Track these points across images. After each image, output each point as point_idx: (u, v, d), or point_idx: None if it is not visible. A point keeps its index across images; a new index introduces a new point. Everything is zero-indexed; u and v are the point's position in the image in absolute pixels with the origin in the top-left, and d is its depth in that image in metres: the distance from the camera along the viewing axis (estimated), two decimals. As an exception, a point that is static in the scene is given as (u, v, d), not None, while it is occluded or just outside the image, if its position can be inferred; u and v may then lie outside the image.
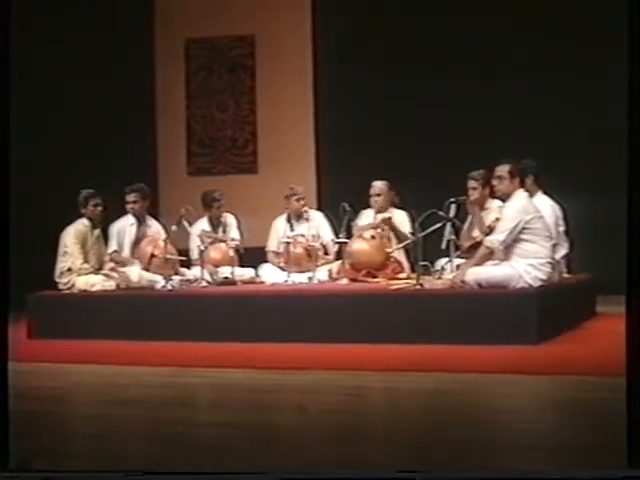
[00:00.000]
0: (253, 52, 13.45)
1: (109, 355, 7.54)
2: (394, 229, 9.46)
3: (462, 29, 12.02)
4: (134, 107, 12.94)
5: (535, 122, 11.46)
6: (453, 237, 8.32)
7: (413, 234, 8.69)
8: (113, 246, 9.48)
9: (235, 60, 13.52)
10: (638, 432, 3.38)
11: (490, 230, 8.06)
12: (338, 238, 9.38)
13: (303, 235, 9.63)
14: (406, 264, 9.31)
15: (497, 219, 7.97)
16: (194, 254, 9.66)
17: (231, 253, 9.56)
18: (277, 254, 9.81)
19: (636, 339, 3.50)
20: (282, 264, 9.58)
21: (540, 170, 8.84)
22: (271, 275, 9.53)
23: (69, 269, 8.87)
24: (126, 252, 9.51)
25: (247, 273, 9.56)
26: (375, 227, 9.45)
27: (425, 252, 8.25)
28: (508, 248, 7.61)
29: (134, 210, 9.52)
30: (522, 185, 7.84)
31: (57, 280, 8.94)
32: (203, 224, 9.85)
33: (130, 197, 9.51)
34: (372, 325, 7.64)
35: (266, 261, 9.90)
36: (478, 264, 7.75)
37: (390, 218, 9.46)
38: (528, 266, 7.54)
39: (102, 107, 12.35)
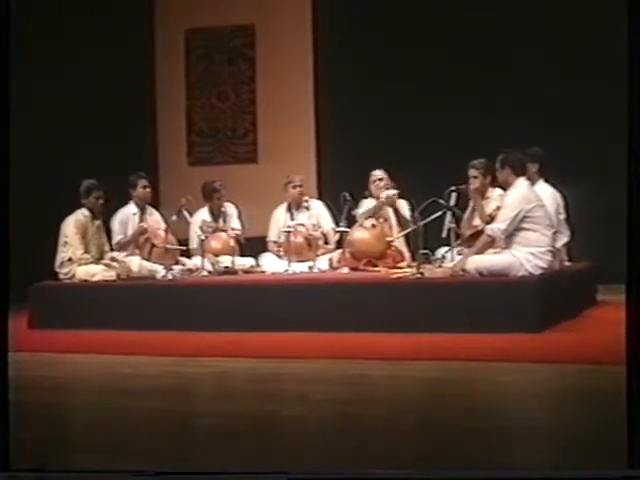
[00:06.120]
0: (253, 42, 13.44)
1: (110, 345, 7.55)
2: (397, 211, 9.47)
3: (462, 19, 12.00)
4: (134, 98, 12.94)
5: (536, 110, 11.45)
6: (454, 226, 8.33)
7: (414, 223, 8.69)
8: (119, 235, 9.49)
9: (235, 50, 13.51)
10: (638, 430, 3.38)
11: (491, 219, 8.06)
12: (338, 227, 9.39)
13: (303, 224, 9.64)
14: (407, 253, 9.32)
15: (498, 208, 7.97)
16: (194, 244, 9.67)
17: (232, 243, 9.58)
18: (277, 243, 9.83)
19: (636, 328, 3.50)
20: (282, 253, 9.60)
21: (545, 158, 8.85)
22: (272, 264, 9.54)
23: (69, 259, 8.88)
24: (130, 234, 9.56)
25: (248, 263, 9.58)
26: (378, 211, 9.47)
27: (426, 241, 8.25)
28: (509, 236, 7.61)
29: (146, 195, 9.60)
30: (518, 174, 7.82)
31: (57, 270, 8.94)
32: (204, 214, 9.86)
33: (142, 182, 9.62)
34: (373, 314, 7.64)
35: (267, 250, 9.92)
36: (479, 252, 7.76)
37: (395, 195, 9.44)
38: (529, 254, 7.55)
39: (103, 98, 12.35)
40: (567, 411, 4.72)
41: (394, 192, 9.46)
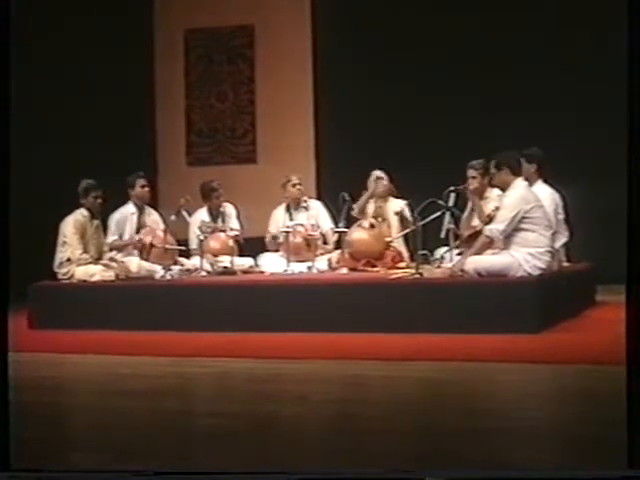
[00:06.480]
0: (252, 42, 13.44)
1: (109, 345, 7.54)
2: (403, 218, 9.48)
3: (462, 19, 12.00)
4: (134, 98, 12.94)
5: (536, 110, 11.46)
6: (452, 226, 8.33)
7: (413, 223, 8.69)
8: (113, 235, 9.50)
9: (234, 50, 13.51)
10: (638, 430, 3.37)
11: (490, 219, 8.06)
12: (337, 228, 9.39)
13: (302, 224, 9.64)
14: (405, 253, 9.33)
15: (497, 208, 7.97)
16: (193, 244, 9.67)
17: (230, 243, 9.58)
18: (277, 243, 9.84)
19: (636, 328, 3.50)
20: (281, 253, 9.60)
21: (543, 159, 8.85)
22: (271, 265, 9.54)
23: (68, 259, 8.87)
24: (126, 240, 9.56)
25: (247, 263, 9.58)
26: (368, 200, 9.52)
27: (425, 241, 8.25)
28: (508, 237, 7.61)
29: (144, 195, 9.61)
30: (516, 174, 7.81)
31: (56, 270, 8.94)
32: (202, 214, 9.86)
33: (141, 182, 9.64)
34: (372, 314, 7.64)
35: (266, 250, 9.92)
36: (478, 253, 7.75)
37: (402, 211, 9.48)
38: (528, 255, 7.54)
39: (103, 98, 12.34)
40: (567, 411, 4.72)
41: (402, 205, 9.51)
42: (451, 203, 8.31)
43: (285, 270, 9.18)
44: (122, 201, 9.68)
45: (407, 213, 9.46)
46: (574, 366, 5.94)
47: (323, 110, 12.91)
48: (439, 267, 8.15)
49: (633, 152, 3.51)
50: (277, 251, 9.79)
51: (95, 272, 8.83)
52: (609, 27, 8.86)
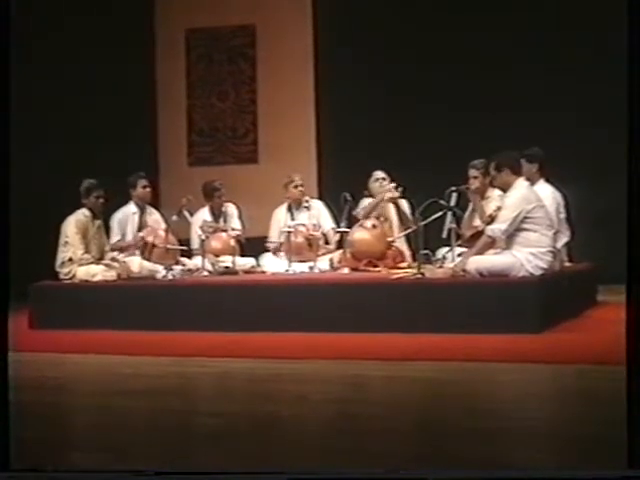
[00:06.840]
0: (254, 42, 13.44)
1: (110, 345, 7.54)
2: (399, 209, 9.47)
3: (462, 19, 12.00)
4: (135, 98, 12.94)
5: (536, 110, 11.45)
6: (454, 226, 8.32)
7: (415, 222, 8.69)
8: (117, 235, 9.52)
9: (236, 50, 13.51)
10: (638, 430, 3.37)
11: (491, 219, 8.06)
12: (339, 228, 9.39)
13: (304, 224, 9.64)
14: (407, 253, 9.33)
15: (498, 208, 7.97)
16: (195, 244, 9.67)
17: (232, 243, 9.58)
18: (278, 243, 9.84)
19: (636, 328, 3.49)
20: (282, 253, 9.60)
21: (545, 158, 8.85)
22: (272, 265, 9.54)
23: (70, 259, 8.88)
24: (129, 241, 9.58)
25: (248, 263, 9.58)
26: (376, 208, 9.48)
27: (426, 241, 8.25)
28: (510, 237, 7.61)
29: (146, 195, 9.64)
30: (517, 174, 7.81)
31: (58, 270, 8.94)
32: (204, 214, 9.87)
33: (142, 182, 9.67)
34: (373, 314, 7.64)
35: (267, 250, 9.92)
36: (479, 253, 7.75)
37: (397, 197, 9.46)
38: (529, 255, 7.54)
39: (103, 98, 12.35)
40: (567, 411, 4.72)
41: (396, 193, 9.48)
42: (452, 203, 8.30)
43: (287, 270, 9.18)
44: (124, 201, 9.69)
45: (406, 207, 9.47)
46: (575, 366, 5.94)
47: (324, 110, 12.91)
48: (441, 267, 8.14)
49: (633, 152, 3.51)
50: (277, 250, 9.80)
51: (97, 272, 8.83)
52: (609, 27, 8.86)
